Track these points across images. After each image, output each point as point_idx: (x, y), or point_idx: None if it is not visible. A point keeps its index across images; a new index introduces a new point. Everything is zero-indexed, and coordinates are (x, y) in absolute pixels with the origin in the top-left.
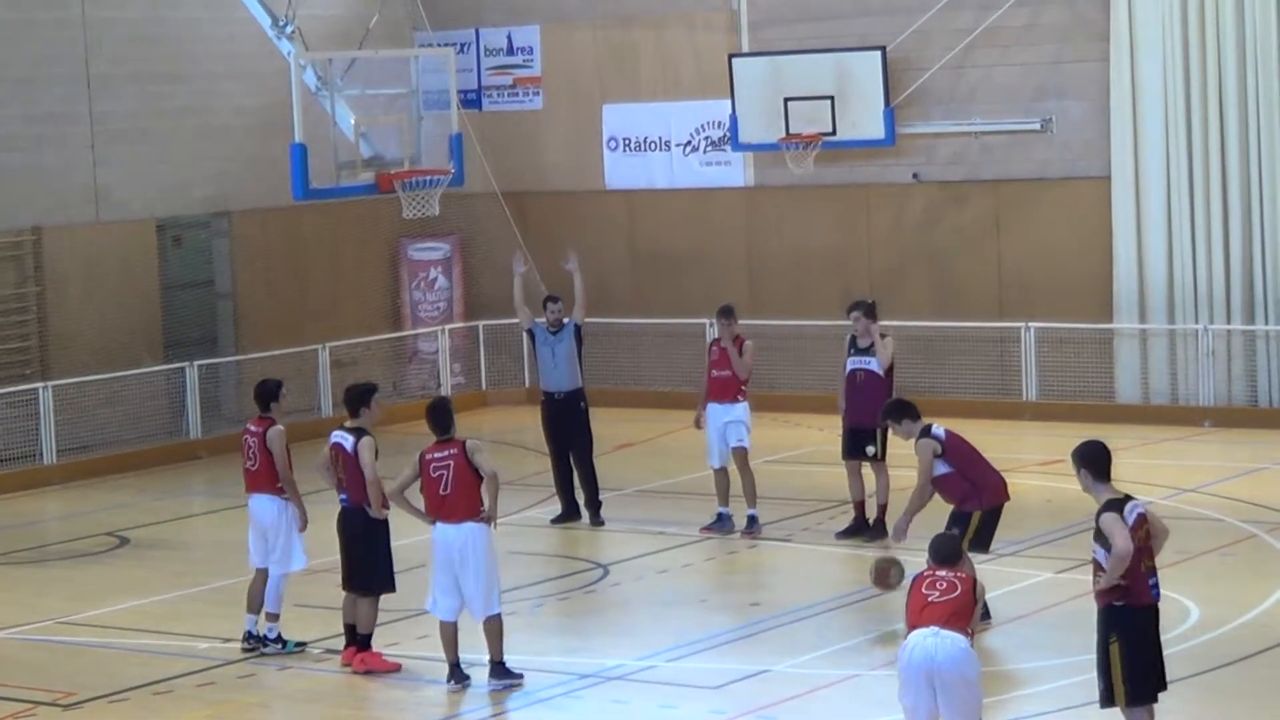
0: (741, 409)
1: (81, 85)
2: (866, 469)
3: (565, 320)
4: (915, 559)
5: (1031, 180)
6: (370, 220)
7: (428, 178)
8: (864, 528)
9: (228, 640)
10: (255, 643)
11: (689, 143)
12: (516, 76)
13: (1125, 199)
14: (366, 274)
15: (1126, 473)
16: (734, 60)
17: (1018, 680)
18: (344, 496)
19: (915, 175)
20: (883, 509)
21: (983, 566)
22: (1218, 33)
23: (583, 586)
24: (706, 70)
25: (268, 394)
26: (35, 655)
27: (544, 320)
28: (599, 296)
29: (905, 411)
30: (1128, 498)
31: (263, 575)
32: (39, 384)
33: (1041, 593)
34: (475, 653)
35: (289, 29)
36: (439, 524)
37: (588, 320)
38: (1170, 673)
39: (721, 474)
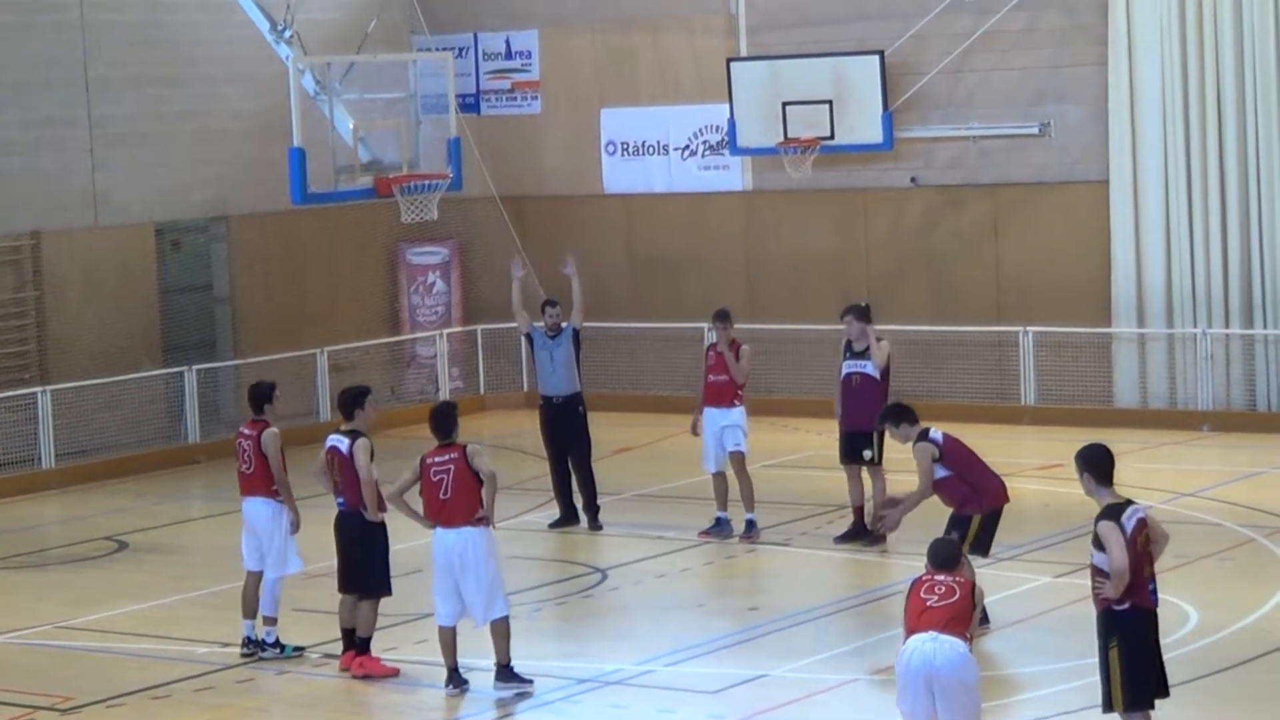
0: (738, 413)
1: (80, 89)
2: (866, 473)
3: (563, 324)
4: (914, 564)
5: (1030, 184)
6: (368, 224)
7: (426, 182)
8: (863, 532)
9: (226, 645)
10: (254, 647)
11: (687, 147)
12: (515, 81)
13: (1123, 203)
14: (365, 278)
15: (1125, 477)
16: (732, 64)
17: (1016, 685)
18: (341, 500)
19: (913, 179)
20: None
21: (981, 570)
22: (1216, 37)
23: (581, 591)
24: (705, 74)
25: (261, 396)
26: (34, 660)
27: (542, 324)
28: (597, 301)
29: (903, 415)
30: (1128, 502)
31: (255, 578)
32: (38, 388)
33: (1040, 597)
34: (473, 657)
35: (287, 33)
36: (439, 529)
37: (586, 324)
38: (1169, 677)
39: (720, 478)
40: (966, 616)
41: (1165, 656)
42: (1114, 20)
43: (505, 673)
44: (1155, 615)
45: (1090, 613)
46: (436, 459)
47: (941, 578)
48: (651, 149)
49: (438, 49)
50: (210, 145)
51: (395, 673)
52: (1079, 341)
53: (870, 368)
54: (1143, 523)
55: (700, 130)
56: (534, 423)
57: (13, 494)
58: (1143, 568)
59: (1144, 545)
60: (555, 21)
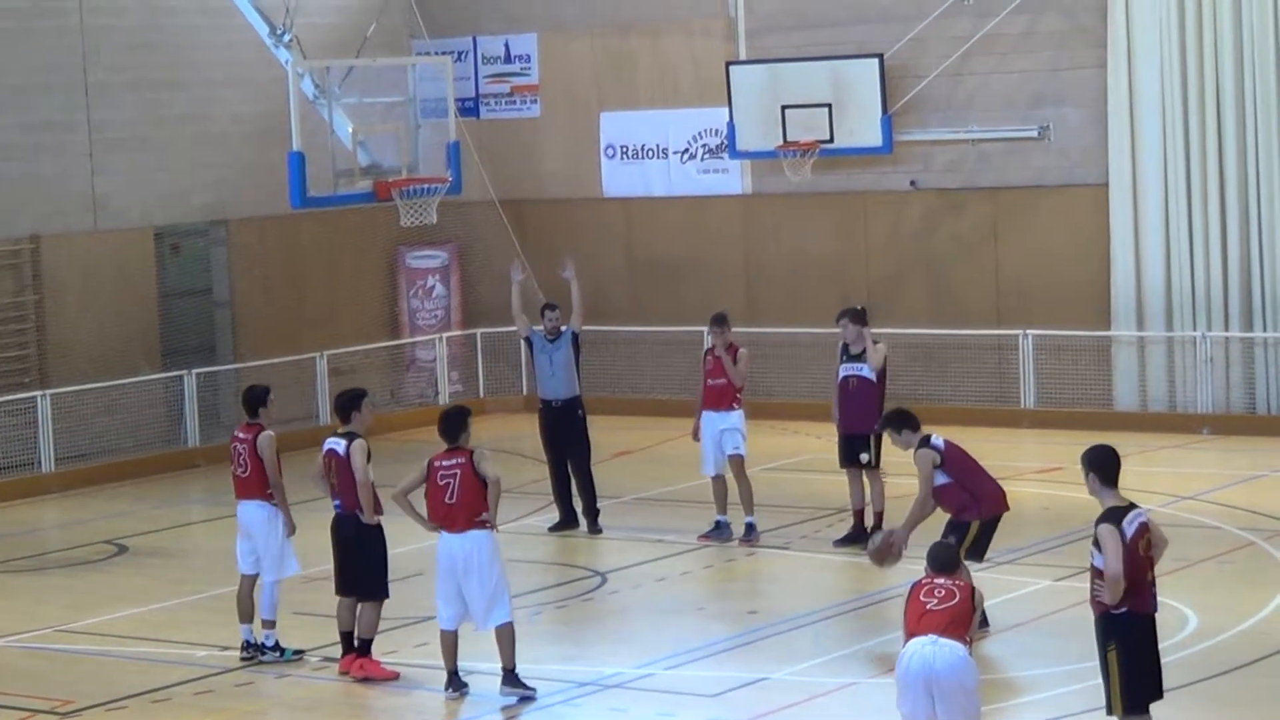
0: (737, 417)
1: (79, 93)
2: (866, 476)
3: (563, 328)
4: (914, 567)
5: (1029, 187)
6: (368, 228)
7: (425, 186)
8: (862, 535)
9: (226, 648)
10: (253, 651)
11: (686, 150)
12: (514, 84)
13: (1123, 206)
14: (364, 282)
15: (1124, 480)
16: (731, 68)
17: (1016, 688)
18: (338, 503)
19: (913, 183)
20: (879, 516)
21: (981, 574)
22: (1215, 39)
23: (581, 594)
24: (704, 78)
25: (255, 400)
26: (34, 663)
27: (542, 328)
28: (596, 304)
29: (905, 422)
30: (1131, 506)
31: (250, 582)
32: (37, 392)
33: (1039, 600)
34: (474, 660)
35: (287, 37)
36: (443, 533)
37: (585, 328)
38: (1168, 680)
39: (719, 482)
40: (966, 620)
41: (1164, 660)
42: (1113, 23)
43: (511, 678)
44: (1154, 619)
45: (1089, 616)
46: (444, 463)
47: (941, 581)
48: (651, 152)
49: (437, 53)
50: (209, 149)
51: (395, 676)
52: (1078, 345)
53: (867, 370)
54: (1144, 527)
55: (699, 134)
56: (533, 426)
57: (12, 498)
58: (1144, 572)
59: (1145, 550)
60: (554, 25)
